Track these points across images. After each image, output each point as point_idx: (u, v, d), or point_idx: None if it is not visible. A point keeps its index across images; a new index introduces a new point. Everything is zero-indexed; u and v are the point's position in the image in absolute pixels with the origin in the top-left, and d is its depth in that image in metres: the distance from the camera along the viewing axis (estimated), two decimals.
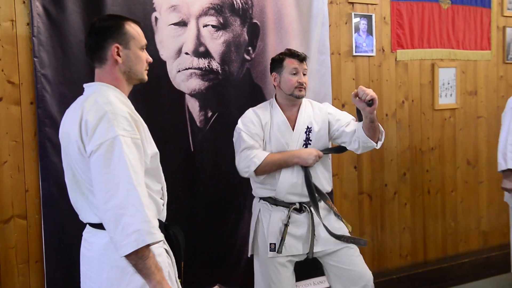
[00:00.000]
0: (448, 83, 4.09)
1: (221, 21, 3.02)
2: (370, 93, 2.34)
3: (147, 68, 1.92)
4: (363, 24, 3.63)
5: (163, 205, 1.92)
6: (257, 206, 2.72)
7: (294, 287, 2.69)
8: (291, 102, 2.66)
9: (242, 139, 2.59)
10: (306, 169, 2.59)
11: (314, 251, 2.61)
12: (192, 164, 3.00)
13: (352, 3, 3.60)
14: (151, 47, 2.83)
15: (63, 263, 2.60)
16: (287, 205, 2.63)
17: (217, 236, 3.09)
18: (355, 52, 3.61)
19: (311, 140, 2.65)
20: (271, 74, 2.71)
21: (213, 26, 3.01)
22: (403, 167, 3.90)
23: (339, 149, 2.77)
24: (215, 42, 3.01)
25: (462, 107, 4.18)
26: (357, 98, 2.38)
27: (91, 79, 2.66)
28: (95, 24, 1.86)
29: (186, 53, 2.93)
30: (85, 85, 1.89)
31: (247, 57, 3.14)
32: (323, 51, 3.41)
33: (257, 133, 2.61)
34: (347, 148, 2.69)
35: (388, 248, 3.82)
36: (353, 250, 2.66)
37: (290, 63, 2.62)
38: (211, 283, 3.09)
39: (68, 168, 1.83)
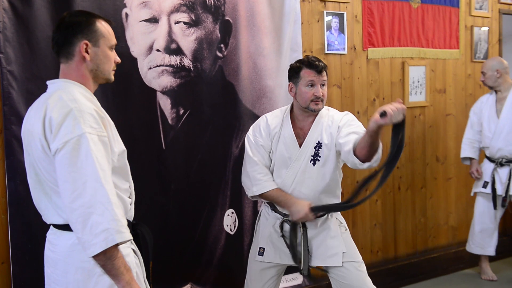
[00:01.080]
0: (418, 81, 4.15)
1: (193, 18, 3.00)
2: (390, 110, 2.06)
3: (115, 68, 1.89)
4: (335, 22, 3.66)
5: (130, 204, 1.89)
6: (262, 207, 2.72)
7: None
8: (306, 113, 2.54)
9: (248, 152, 2.56)
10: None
11: (311, 265, 2.55)
12: (164, 161, 2.97)
13: (324, 1, 3.62)
14: (122, 44, 2.79)
15: (31, 264, 2.54)
16: (282, 214, 2.57)
17: (189, 234, 3.07)
18: (327, 50, 3.63)
19: (320, 156, 2.51)
20: (289, 82, 2.56)
21: (185, 23, 2.98)
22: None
23: (333, 208, 2.56)
24: (187, 39, 2.99)
25: (432, 104, 4.26)
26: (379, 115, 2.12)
27: (51, 74, 2.62)
28: (65, 19, 1.82)
29: (158, 50, 2.90)
30: (48, 82, 1.84)
31: (220, 55, 3.13)
32: (296, 48, 3.42)
33: (264, 145, 2.55)
34: (343, 160, 2.47)
35: (359, 244, 3.85)
36: (357, 265, 2.55)
37: (306, 75, 2.46)
38: (183, 282, 3.07)
39: (30, 167, 1.79)
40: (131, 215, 1.91)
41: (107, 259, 1.60)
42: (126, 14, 2.81)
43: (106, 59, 1.83)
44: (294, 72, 2.52)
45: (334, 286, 2.61)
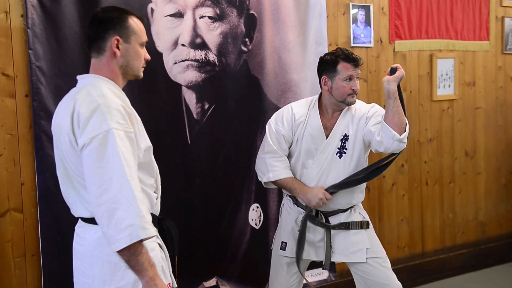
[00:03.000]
0: (447, 74, 4.07)
1: (218, 12, 2.99)
2: (398, 64, 2.33)
3: (144, 65, 1.91)
4: (361, 14, 3.61)
5: (156, 199, 1.90)
6: (284, 200, 2.71)
7: (292, 287, 2.63)
8: (338, 107, 2.51)
9: (268, 139, 2.55)
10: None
11: (333, 260, 2.54)
12: (189, 156, 2.98)
13: None
14: (147, 39, 2.80)
15: (60, 256, 2.59)
16: (305, 208, 2.55)
17: (214, 229, 3.08)
18: (353, 43, 3.59)
19: (346, 149, 2.49)
20: (320, 76, 2.52)
21: (209, 17, 2.98)
22: (401, 158, 3.89)
23: (347, 184, 2.49)
24: (212, 34, 2.99)
25: (461, 98, 4.17)
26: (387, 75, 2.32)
27: (86, 71, 2.66)
28: (98, 14, 1.84)
29: (183, 45, 2.91)
30: (78, 77, 1.87)
31: (244, 49, 3.12)
32: (321, 42, 3.38)
33: (285, 135, 2.53)
34: (373, 150, 2.45)
35: (386, 239, 3.81)
36: (381, 260, 2.52)
37: (345, 69, 2.42)
38: (208, 276, 3.08)
39: (59, 161, 1.81)
40: (157, 209, 1.91)
41: (131, 254, 1.61)
42: (152, 9, 2.83)
43: (137, 55, 1.84)
44: (329, 66, 2.47)
45: (357, 282, 2.58)
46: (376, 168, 2.51)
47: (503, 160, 4.46)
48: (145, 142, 1.81)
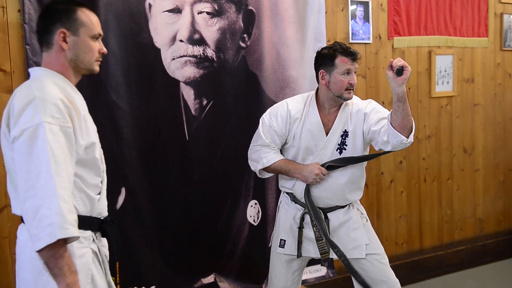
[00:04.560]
0: (445, 71, 4.06)
1: (216, 7, 2.98)
2: (403, 61, 2.21)
3: (100, 59, 1.82)
4: (359, 11, 3.59)
5: (99, 201, 1.78)
6: (281, 197, 2.69)
7: (295, 286, 2.62)
8: (335, 102, 2.49)
9: (260, 132, 2.53)
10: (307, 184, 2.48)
11: (331, 257, 2.52)
12: (187, 152, 2.97)
13: None
14: (145, 35, 2.79)
15: None
16: (303, 205, 2.53)
17: (212, 225, 3.08)
18: (352, 39, 3.57)
19: (346, 145, 2.47)
20: (317, 70, 2.49)
21: (207, 13, 2.96)
22: (399, 155, 3.88)
23: (346, 160, 2.47)
24: (210, 29, 2.97)
25: (459, 94, 4.16)
26: (391, 70, 2.23)
27: None
28: (47, 6, 1.78)
29: (181, 41, 2.89)
30: (29, 70, 1.81)
31: (243, 45, 3.10)
32: (320, 38, 3.37)
33: (277, 131, 2.50)
34: (376, 148, 2.45)
35: (384, 236, 3.81)
36: (379, 257, 2.51)
37: (343, 63, 2.40)
38: (206, 273, 3.08)
39: (3, 156, 1.73)
40: (100, 212, 1.80)
41: (50, 256, 1.51)
42: (150, 5, 2.81)
43: (87, 49, 1.75)
44: (327, 60, 2.45)
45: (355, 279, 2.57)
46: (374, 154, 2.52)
47: (501, 157, 4.46)
48: (88, 138, 1.71)
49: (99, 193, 1.79)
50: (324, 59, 2.46)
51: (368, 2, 3.61)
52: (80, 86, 2.59)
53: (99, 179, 1.79)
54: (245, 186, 3.17)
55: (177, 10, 2.87)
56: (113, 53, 2.70)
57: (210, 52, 2.98)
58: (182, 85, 2.94)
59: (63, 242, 1.53)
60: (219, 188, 3.08)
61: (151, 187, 2.87)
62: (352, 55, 2.42)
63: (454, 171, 4.20)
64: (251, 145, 2.61)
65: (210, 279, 3.08)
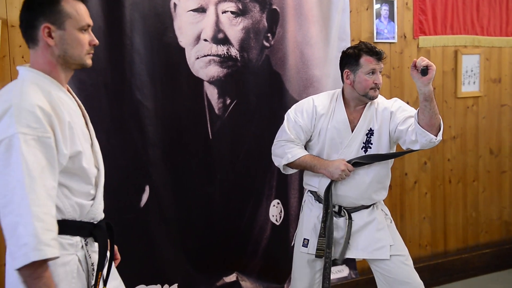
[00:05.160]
0: (472, 71, 4.00)
1: (240, 7, 2.98)
2: (427, 60, 2.20)
3: (91, 51, 1.68)
4: (384, 10, 3.56)
5: (92, 206, 1.69)
6: (305, 197, 2.68)
7: (318, 285, 2.60)
8: (361, 101, 2.48)
9: (285, 128, 2.53)
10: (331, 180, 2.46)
11: (357, 257, 2.52)
12: (210, 151, 2.98)
13: None
14: (170, 34, 2.81)
15: None
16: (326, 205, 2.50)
17: (235, 224, 3.08)
18: (376, 38, 3.54)
19: (372, 143, 2.46)
20: (342, 69, 2.49)
21: (232, 12, 2.97)
22: (423, 156, 3.83)
23: (372, 158, 2.45)
24: (234, 29, 2.98)
25: (486, 95, 4.09)
26: (415, 69, 2.22)
27: (110, 66, 2.68)
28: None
29: (205, 40, 2.90)
30: (17, 68, 1.67)
31: (266, 44, 3.10)
32: (344, 37, 3.35)
33: (302, 126, 2.49)
34: (404, 147, 2.45)
35: (407, 237, 3.77)
36: (403, 258, 2.48)
37: (367, 62, 2.40)
38: (229, 271, 3.09)
39: None
40: (92, 216, 1.70)
41: (27, 276, 1.43)
42: (175, 4, 2.83)
43: (75, 42, 1.61)
44: (352, 59, 2.44)
45: (378, 280, 2.54)
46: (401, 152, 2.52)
47: None
48: (73, 147, 1.58)
49: (93, 199, 1.70)
50: (349, 59, 2.45)
51: (393, 1, 3.57)
52: (104, 85, 2.66)
53: (90, 187, 1.68)
54: (267, 186, 3.17)
55: (201, 10, 2.88)
56: (139, 53, 2.72)
57: (234, 52, 2.99)
58: (206, 84, 2.95)
59: (42, 262, 1.44)
60: (241, 187, 3.09)
61: (175, 185, 2.89)
62: (377, 55, 2.41)
63: (480, 172, 4.12)
64: (275, 140, 2.60)
65: (232, 277, 3.09)
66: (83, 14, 1.64)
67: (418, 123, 2.28)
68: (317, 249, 2.48)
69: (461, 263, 4.00)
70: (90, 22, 1.67)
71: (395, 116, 2.44)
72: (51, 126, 1.51)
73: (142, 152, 2.77)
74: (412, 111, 2.44)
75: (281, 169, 2.60)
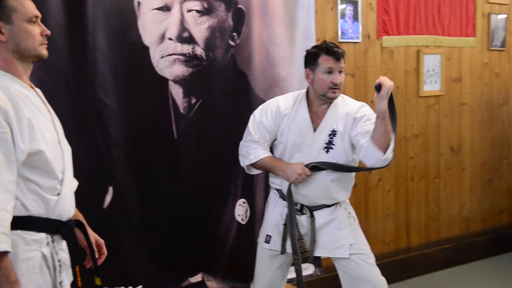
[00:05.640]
0: (433, 70, 4.09)
1: (206, 6, 2.96)
2: (381, 78, 2.22)
3: (44, 42, 1.70)
4: (349, 10, 3.60)
5: (57, 202, 1.70)
6: (270, 193, 2.69)
7: (279, 282, 2.64)
8: (323, 101, 2.48)
9: (250, 128, 2.55)
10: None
11: (317, 255, 2.53)
12: (175, 151, 2.96)
13: None
14: (134, 33, 2.78)
15: None
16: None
17: (200, 224, 3.07)
18: (341, 38, 3.58)
19: (334, 144, 2.45)
20: (305, 68, 2.52)
21: (197, 11, 2.95)
22: None
23: (330, 165, 2.44)
24: (199, 28, 2.96)
25: (447, 94, 4.19)
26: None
27: (71, 64, 2.62)
28: None
29: (170, 39, 2.87)
30: None
31: (232, 43, 3.09)
32: (309, 37, 3.37)
33: (267, 126, 2.51)
34: (358, 159, 2.46)
35: (371, 234, 3.84)
36: (365, 256, 2.51)
37: (325, 61, 2.40)
38: (194, 271, 3.08)
39: None
40: (60, 213, 1.71)
41: None
42: (138, 3, 2.79)
43: (26, 34, 1.63)
44: (311, 59, 2.47)
45: (341, 278, 2.58)
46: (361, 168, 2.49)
47: (487, 156, 4.51)
48: (33, 143, 1.60)
49: (58, 195, 1.70)
50: (309, 58, 2.49)
51: (357, 1, 3.61)
52: (65, 84, 2.60)
53: (55, 182, 1.68)
54: (233, 185, 3.17)
55: (166, 8, 2.85)
56: (101, 51, 2.68)
57: (199, 51, 2.97)
58: (170, 83, 2.92)
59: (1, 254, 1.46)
60: (207, 187, 3.08)
61: (139, 186, 2.85)
62: (335, 54, 2.41)
63: (441, 170, 4.23)
64: (242, 140, 2.61)
65: (197, 278, 3.08)
66: (28, 5, 1.65)
67: (372, 138, 2.29)
68: (301, 253, 2.48)
69: (423, 258, 4.10)
70: (38, 13, 1.68)
71: (358, 125, 2.43)
72: (7, 122, 1.52)
73: (105, 152, 2.73)
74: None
75: (246, 170, 2.62)
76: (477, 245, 4.41)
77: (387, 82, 2.22)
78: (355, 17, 3.63)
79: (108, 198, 2.76)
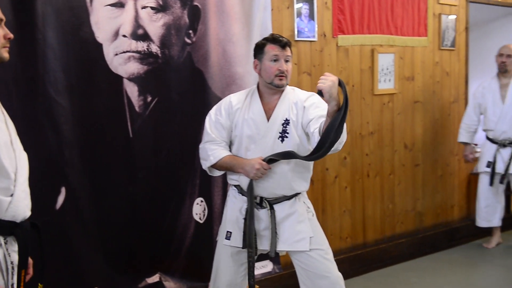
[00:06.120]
0: (387, 69, 4.18)
1: (161, 3, 2.92)
2: (319, 84, 2.20)
3: (7, 45, 1.73)
4: (305, 9, 3.63)
5: (10, 203, 1.68)
6: (229, 191, 2.70)
7: (242, 280, 2.64)
8: (272, 90, 2.54)
9: (207, 129, 2.57)
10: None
11: (278, 249, 2.54)
12: (131, 150, 2.91)
13: None
14: (86, 29, 2.71)
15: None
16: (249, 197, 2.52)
17: (157, 224, 3.03)
18: (297, 37, 3.61)
19: (288, 133, 2.50)
20: (254, 59, 2.57)
21: (152, 8, 2.90)
22: (343, 151, 3.96)
23: (286, 155, 2.46)
24: (155, 25, 2.91)
25: (400, 92, 4.30)
26: None
27: (21, 62, 2.53)
28: None
29: (124, 36, 2.82)
30: None
31: (188, 41, 3.06)
32: (266, 35, 3.32)
33: (223, 123, 2.54)
34: (310, 147, 2.49)
35: (329, 230, 3.89)
36: (323, 252, 2.54)
37: (271, 50, 2.48)
38: (151, 272, 3.03)
39: None
40: (13, 215, 1.69)
41: None
42: None
43: None
44: (259, 49, 2.55)
45: (299, 274, 2.61)
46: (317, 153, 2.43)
47: (439, 152, 4.65)
48: None
49: (11, 195, 1.68)
50: (257, 49, 2.56)
51: (313, 0, 3.65)
52: (14, 82, 2.51)
53: (8, 182, 1.67)
54: (191, 184, 3.14)
55: (119, 5, 2.79)
56: (52, 48, 2.60)
57: (154, 48, 2.93)
58: (125, 81, 2.87)
59: None
60: (164, 186, 3.04)
61: (93, 186, 2.79)
62: (280, 42, 2.48)
63: (395, 166, 4.33)
64: (201, 143, 2.62)
65: (155, 278, 3.04)
66: None
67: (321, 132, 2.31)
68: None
69: (379, 253, 4.19)
70: (2, 16, 1.69)
71: (308, 112, 2.48)
72: None
73: (57, 152, 2.65)
74: (325, 109, 2.40)
75: (208, 172, 2.63)
76: (429, 239, 4.55)
77: (325, 86, 2.18)
78: (311, 16, 3.66)
79: (61, 199, 2.68)
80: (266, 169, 2.46)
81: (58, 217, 2.67)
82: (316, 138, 2.35)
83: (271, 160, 2.47)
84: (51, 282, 2.61)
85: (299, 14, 3.60)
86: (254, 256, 2.50)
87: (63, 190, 2.69)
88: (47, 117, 2.62)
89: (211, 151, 2.53)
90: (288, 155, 2.47)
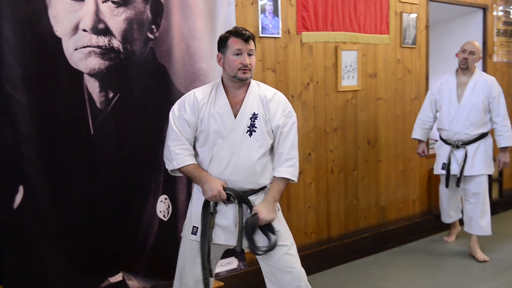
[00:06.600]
0: (351, 66, 4.22)
1: None
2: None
3: None
4: (269, 5, 3.63)
5: None
6: (194, 187, 2.66)
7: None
8: (236, 84, 2.53)
9: (170, 125, 2.54)
10: None
11: (244, 246, 2.54)
12: (92, 147, 2.84)
13: None
14: (44, 23, 2.63)
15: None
16: None
17: (120, 222, 2.98)
18: (262, 33, 3.61)
19: (256, 127, 2.51)
20: (218, 53, 2.57)
21: (113, 2, 2.84)
22: (308, 147, 3.99)
23: (244, 200, 2.53)
24: (116, 19, 2.86)
25: (363, 89, 4.35)
26: None
27: None
28: None
29: (84, 30, 2.75)
30: None
31: (151, 36, 3.02)
32: None
33: (188, 120, 2.51)
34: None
35: (294, 226, 3.91)
36: (286, 248, 2.56)
37: (234, 43, 2.47)
38: (114, 271, 2.98)
39: None
40: None
41: None
42: None
43: None
44: (222, 42, 2.53)
45: (263, 270, 2.62)
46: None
47: (401, 148, 4.74)
48: None
49: None
50: (220, 42, 2.55)
51: None
52: None
53: None
54: (154, 181, 3.10)
55: None
56: (8, 42, 2.52)
57: (116, 43, 2.87)
58: (86, 77, 2.80)
59: None
60: (127, 183, 2.99)
61: (53, 184, 2.71)
62: (243, 36, 2.48)
63: (359, 162, 4.39)
64: (165, 141, 2.58)
65: (118, 277, 2.98)
66: None
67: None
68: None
69: (343, 248, 4.24)
70: None
71: (276, 114, 2.55)
72: None
73: (14, 149, 2.57)
74: (289, 131, 2.58)
75: (170, 172, 2.61)
76: (392, 233, 4.63)
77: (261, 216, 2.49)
78: (275, 12, 3.67)
79: (19, 198, 2.60)
80: (223, 198, 2.48)
81: (16, 216, 2.59)
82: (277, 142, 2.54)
83: (230, 194, 2.49)
84: (10, 283, 2.54)
85: (263, 11, 3.60)
86: (208, 278, 2.54)
87: (21, 188, 2.61)
88: (3, 114, 2.54)
89: (176, 156, 2.51)
90: (247, 203, 2.53)
